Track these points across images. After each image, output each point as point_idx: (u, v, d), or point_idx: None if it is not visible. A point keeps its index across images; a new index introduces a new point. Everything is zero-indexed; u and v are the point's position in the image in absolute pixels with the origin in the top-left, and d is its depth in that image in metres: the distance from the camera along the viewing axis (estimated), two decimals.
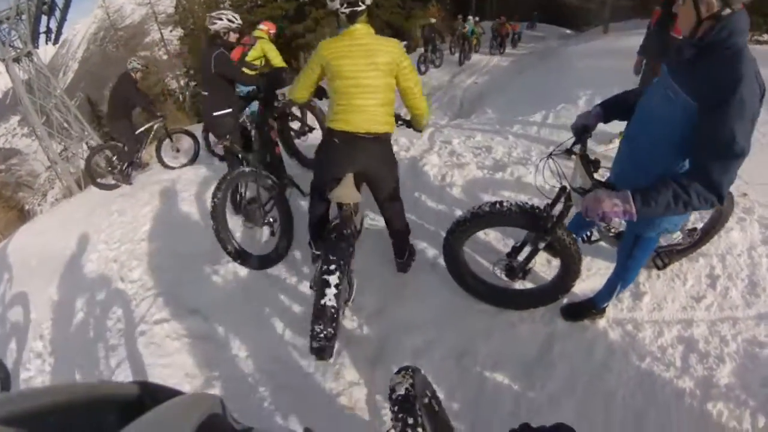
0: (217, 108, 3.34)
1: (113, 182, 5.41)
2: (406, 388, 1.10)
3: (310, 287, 2.19)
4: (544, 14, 24.80)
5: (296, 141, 4.01)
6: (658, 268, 2.28)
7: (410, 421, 1.03)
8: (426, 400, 1.20)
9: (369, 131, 2.04)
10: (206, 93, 3.38)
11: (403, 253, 2.47)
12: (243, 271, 2.91)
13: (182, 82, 28.85)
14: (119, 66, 30.33)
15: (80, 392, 0.48)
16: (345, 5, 1.98)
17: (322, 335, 1.81)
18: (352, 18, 2.00)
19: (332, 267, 1.90)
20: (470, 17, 16.73)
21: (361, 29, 2.02)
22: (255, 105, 3.60)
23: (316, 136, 4.28)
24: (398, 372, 1.18)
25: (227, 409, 0.59)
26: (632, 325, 2.08)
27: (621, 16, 18.48)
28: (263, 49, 4.42)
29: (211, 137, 4.91)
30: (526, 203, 2.01)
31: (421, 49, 12.76)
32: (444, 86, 10.76)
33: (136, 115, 5.59)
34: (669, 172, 1.45)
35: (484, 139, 4.22)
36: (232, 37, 3.43)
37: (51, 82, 20.86)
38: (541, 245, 2.01)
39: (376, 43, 2.01)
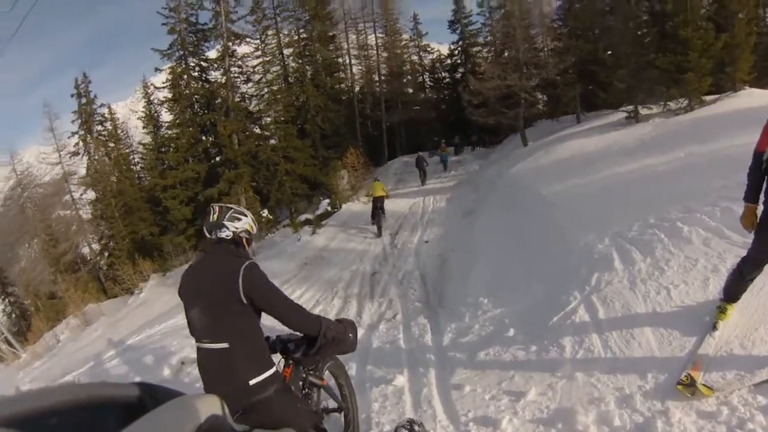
0: (253, 370, 2.15)
1: None
2: None
3: None
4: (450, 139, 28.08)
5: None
6: None
7: None
8: None
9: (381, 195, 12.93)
10: (225, 344, 2.13)
11: None
12: None
13: (96, 247, 28.41)
14: (31, 227, 27.57)
15: (82, 393, 0.56)
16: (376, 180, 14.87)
17: None
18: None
19: None
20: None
21: (379, 183, 13.92)
22: None
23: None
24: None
25: (227, 409, 0.70)
26: None
27: (529, 122, 20.84)
28: None
29: None
30: None
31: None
32: (384, 255, 10.00)
33: None
34: None
35: (540, 392, 3.07)
36: (249, 249, 2.50)
37: None
38: None
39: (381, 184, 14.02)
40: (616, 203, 5.97)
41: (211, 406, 0.67)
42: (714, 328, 3.12)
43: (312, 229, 14.22)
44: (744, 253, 3.73)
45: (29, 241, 28.75)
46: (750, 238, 3.78)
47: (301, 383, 2.56)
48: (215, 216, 2.35)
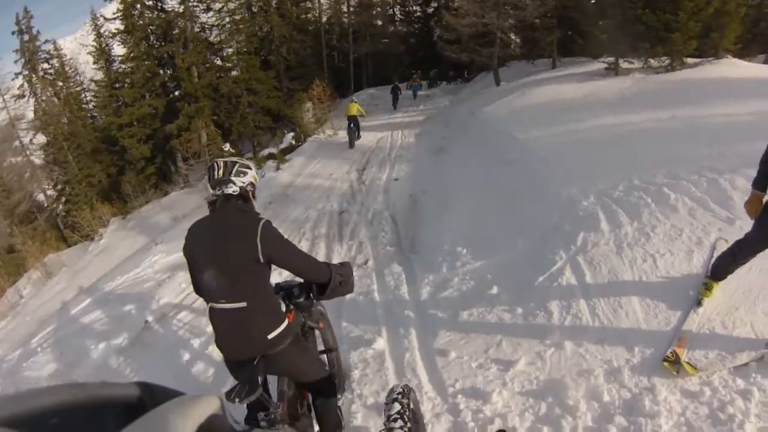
0: (270, 324, 2.20)
1: None
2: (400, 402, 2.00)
3: None
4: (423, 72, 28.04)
5: None
6: None
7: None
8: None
9: (355, 114, 14.89)
10: (243, 303, 2.13)
11: None
12: None
13: (52, 194, 26.81)
14: None
15: (81, 393, 0.52)
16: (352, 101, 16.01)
17: None
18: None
19: None
20: None
21: (354, 103, 15.37)
22: None
23: None
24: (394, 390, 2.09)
25: (227, 409, 0.64)
26: None
27: (502, 62, 20.28)
28: None
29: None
30: None
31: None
32: (352, 193, 9.67)
33: None
34: None
35: (529, 361, 2.99)
36: (255, 201, 2.44)
37: None
38: None
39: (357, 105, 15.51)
40: (598, 158, 5.80)
41: (211, 406, 0.62)
42: (698, 304, 3.14)
43: (276, 165, 13.50)
44: (727, 228, 3.80)
45: None
46: (737, 217, 3.82)
47: (300, 327, 2.58)
48: (220, 172, 2.23)
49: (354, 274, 2.61)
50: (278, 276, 2.96)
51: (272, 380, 2.37)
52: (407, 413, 2.01)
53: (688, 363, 2.74)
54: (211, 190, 2.25)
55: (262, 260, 2.10)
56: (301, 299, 2.56)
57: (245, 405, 2.34)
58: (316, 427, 2.54)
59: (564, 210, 4.82)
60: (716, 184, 4.25)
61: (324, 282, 2.37)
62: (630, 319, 3.15)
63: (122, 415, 0.55)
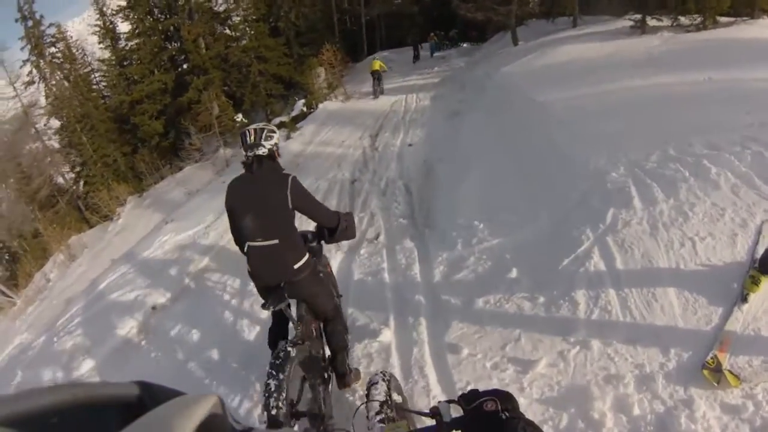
0: (296, 258, 2.70)
1: None
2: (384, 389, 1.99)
3: None
4: (444, 33, 27.38)
5: None
6: None
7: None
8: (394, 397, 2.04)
9: (377, 69, 16.34)
10: (276, 241, 2.64)
11: None
12: None
13: (71, 177, 27.21)
14: (2, 169, 26.54)
15: (80, 392, 0.51)
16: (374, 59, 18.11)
17: None
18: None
19: None
20: None
21: (377, 60, 16.59)
22: None
23: None
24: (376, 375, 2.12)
25: (227, 409, 0.61)
26: None
27: (520, 20, 19.26)
28: None
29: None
30: None
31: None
32: (365, 160, 9.22)
33: None
34: None
35: (550, 362, 2.65)
36: (280, 159, 2.93)
37: None
38: None
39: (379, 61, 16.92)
40: (627, 124, 5.23)
41: (211, 406, 0.55)
42: (743, 300, 2.74)
43: (286, 134, 12.88)
44: None
45: (6, 181, 26.28)
46: None
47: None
48: (252, 138, 2.63)
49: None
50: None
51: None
52: (387, 376, 2.14)
53: (729, 371, 2.37)
54: (245, 152, 2.63)
55: (290, 207, 2.57)
56: (314, 243, 2.98)
57: (269, 336, 2.89)
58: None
59: (591, 182, 4.33)
60: (762, 158, 3.75)
61: (333, 227, 2.82)
62: (666, 314, 2.75)
63: (122, 415, 0.52)
